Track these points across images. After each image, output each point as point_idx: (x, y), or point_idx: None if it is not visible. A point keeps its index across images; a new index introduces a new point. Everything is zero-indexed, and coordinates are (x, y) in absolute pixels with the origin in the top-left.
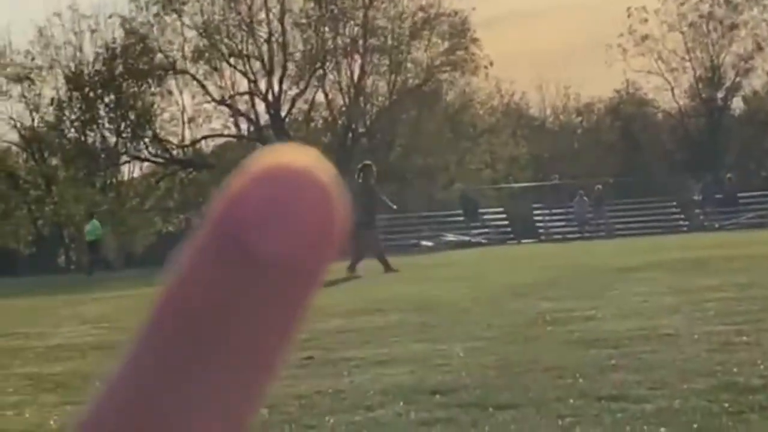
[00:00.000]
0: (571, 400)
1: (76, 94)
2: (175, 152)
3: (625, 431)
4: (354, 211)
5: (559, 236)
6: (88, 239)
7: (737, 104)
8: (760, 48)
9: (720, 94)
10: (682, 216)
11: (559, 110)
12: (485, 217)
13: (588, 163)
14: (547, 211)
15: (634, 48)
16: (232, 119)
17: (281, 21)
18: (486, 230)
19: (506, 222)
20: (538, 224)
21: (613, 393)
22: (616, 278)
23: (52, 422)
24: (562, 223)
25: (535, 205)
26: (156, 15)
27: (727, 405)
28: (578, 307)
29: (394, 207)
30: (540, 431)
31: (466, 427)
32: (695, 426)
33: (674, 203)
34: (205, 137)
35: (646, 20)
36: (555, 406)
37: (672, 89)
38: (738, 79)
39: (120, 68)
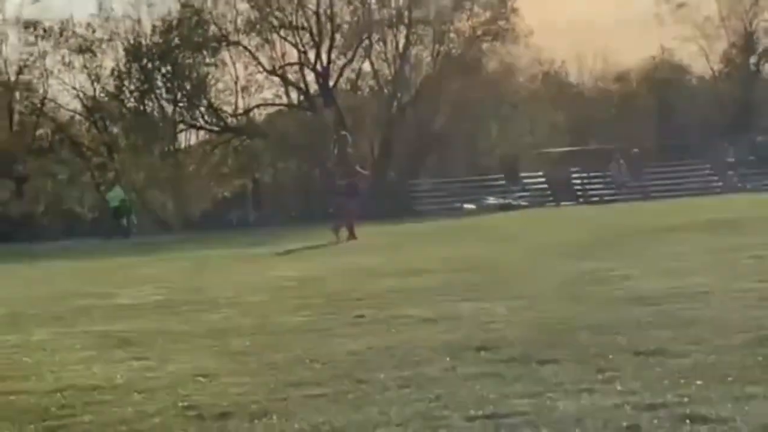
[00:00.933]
0: (611, 356)
1: (134, 65)
2: (229, 121)
3: (662, 385)
4: (335, 178)
5: (597, 198)
6: (111, 205)
7: None
8: None
9: (753, 60)
10: (716, 178)
11: (597, 77)
12: (526, 181)
13: (625, 128)
14: (584, 175)
15: (670, 16)
16: (282, 89)
17: None
18: (526, 193)
19: (546, 185)
20: (577, 187)
21: (651, 348)
22: (653, 239)
23: (118, 376)
24: (600, 186)
25: (573, 169)
26: None
27: (761, 359)
28: (617, 266)
29: (367, 173)
30: (581, 385)
31: (510, 382)
32: (730, 379)
33: (708, 166)
34: (257, 106)
35: None
36: (595, 361)
37: (707, 55)
38: None
39: (176, 40)
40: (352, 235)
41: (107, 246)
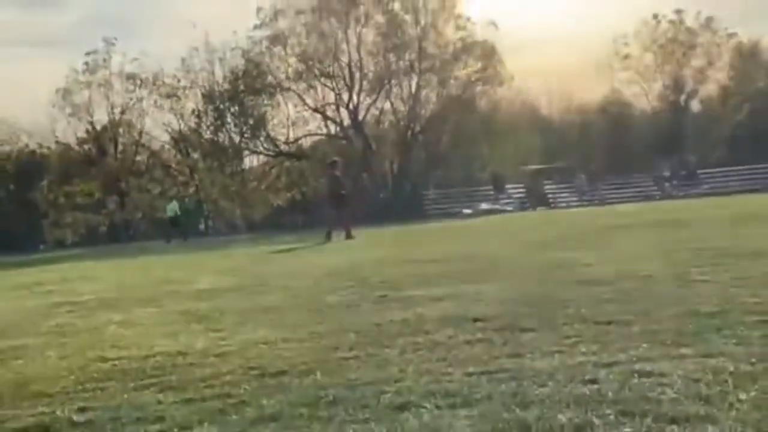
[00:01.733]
0: (575, 325)
1: (210, 106)
2: (282, 147)
3: (616, 348)
4: (329, 193)
5: (564, 204)
6: (168, 215)
7: (695, 105)
8: (711, 63)
9: (683, 98)
10: (656, 188)
11: (563, 111)
12: (510, 190)
13: (585, 150)
14: (555, 186)
15: (618, 64)
16: (323, 122)
17: (358, 50)
18: (510, 200)
19: (525, 194)
20: (549, 196)
21: (606, 319)
22: (608, 234)
23: (198, 344)
24: (567, 195)
25: (546, 182)
26: (267, 47)
27: (690, 326)
28: (580, 256)
29: (343, 192)
30: (553, 348)
31: (499, 346)
32: (668, 343)
33: (650, 178)
34: (304, 136)
35: (627, 44)
36: (563, 329)
37: (647, 94)
38: (696, 86)
39: (241, 87)
40: (349, 235)
41: (184, 245)
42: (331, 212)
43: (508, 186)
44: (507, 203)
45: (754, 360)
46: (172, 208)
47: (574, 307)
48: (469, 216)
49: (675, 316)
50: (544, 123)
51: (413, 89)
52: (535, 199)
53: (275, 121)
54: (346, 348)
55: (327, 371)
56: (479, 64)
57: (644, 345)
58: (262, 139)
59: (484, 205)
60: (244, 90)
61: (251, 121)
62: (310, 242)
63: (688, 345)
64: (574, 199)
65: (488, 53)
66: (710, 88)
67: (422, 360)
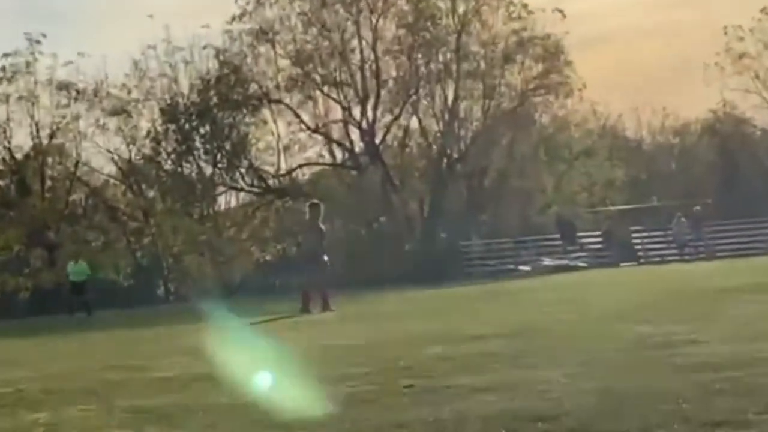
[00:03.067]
0: (676, 426)
1: (171, 125)
2: (270, 182)
3: None
4: (303, 246)
5: (658, 259)
6: (74, 279)
7: None
8: None
9: None
10: None
11: (655, 131)
12: (583, 240)
13: (686, 184)
14: (645, 234)
15: (731, 66)
16: (326, 147)
17: (374, 48)
18: (584, 254)
19: (604, 245)
20: (637, 247)
21: (717, 419)
22: (717, 300)
23: None
24: (662, 245)
25: (634, 228)
26: (249, 45)
27: None
28: (679, 330)
29: (326, 259)
30: None
31: None
32: None
33: None
34: (300, 166)
35: (742, 38)
36: None
37: None
38: None
39: (214, 99)
40: (307, 307)
41: (137, 315)
42: (314, 273)
43: (580, 234)
44: (579, 257)
45: None
46: (82, 270)
47: (673, 402)
48: (526, 275)
49: None
50: (629, 147)
51: (449, 101)
52: (618, 250)
53: (261, 145)
54: None
55: None
56: (540, 67)
57: None
58: (242, 170)
59: (547, 261)
60: (218, 103)
61: (228, 146)
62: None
63: None
64: (672, 250)
65: (552, 52)
66: None
67: None
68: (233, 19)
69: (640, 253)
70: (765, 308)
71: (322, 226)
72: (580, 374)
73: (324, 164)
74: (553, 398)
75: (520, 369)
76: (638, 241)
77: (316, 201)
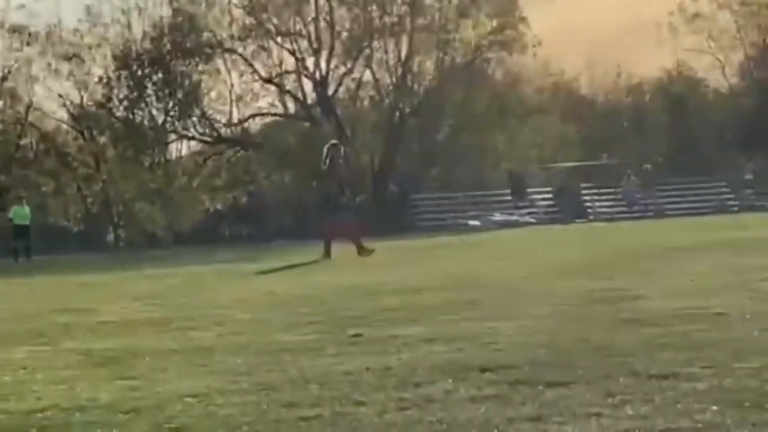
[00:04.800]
0: (621, 379)
1: (124, 72)
2: (222, 131)
3: (675, 409)
4: (327, 192)
5: (608, 216)
6: (16, 223)
7: None
8: None
9: None
10: (733, 195)
11: (608, 90)
12: (533, 197)
13: (637, 143)
14: (595, 191)
15: (685, 26)
16: (279, 98)
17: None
18: (534, 210)
19: (554, 202)
20: (587, 204)
21: (663, 371)
22: (665, 258)
23: (103, 396)
24: (611, 203)
25: (584, 185)
26: None
27: None
28: (628, 286)
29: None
30: (589, 409)
31: (516, 405)
32: (747, 405)
33: (724, 183)
34: (252, 116)
35: None
36: (605, 384)
37: (723, 68)
38: None
39: (168, 47)
40: (328, 251)
41: (93, 259)
42: (344, 217)
43: (530, 190)
44: (529, 213)
45: None
46: (25, 213)
47: (620, 355)
48: (477, 230)
49: (756, 369)
50: (582, 105)
51: (403, 55)
52: (568, 208)
53: (213, 94)
54: (306, 405)
55: None
56: (494, 23)
57: (714, 407)
58: (194, 119)
59: (497, 216)
60: (172, 51)
61: (180, 95)
62: (262, 261)
63: None
64: (622, 209)
65: (507, 7)
66: None
67: (409, 422)
68: None
69: (590, 211)
70: (710, 266)
71: (343, 166)
72: (528, 327)
73: (276, 115)
74: (501, 349)
75: (468, 321)
76: (588, 198)
77: (335, 141)
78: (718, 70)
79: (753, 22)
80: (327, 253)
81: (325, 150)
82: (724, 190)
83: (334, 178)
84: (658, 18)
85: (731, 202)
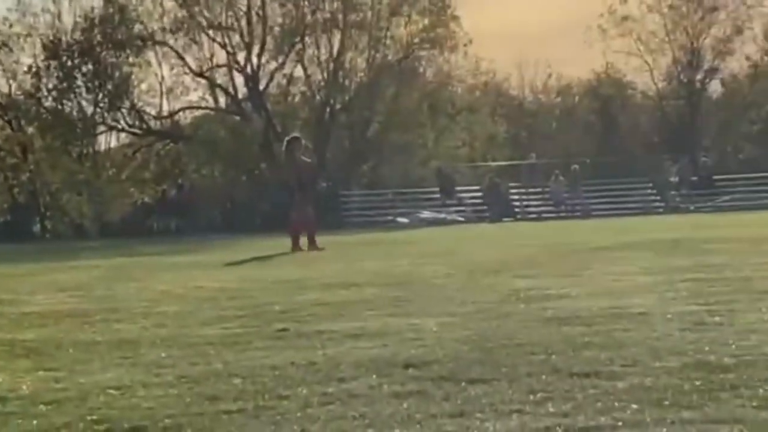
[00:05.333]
0: (544, 376)
1: (53, 62)
2: (152, 123)
3: (596, 407)
4: (287, 186)
5: (535, 215)
6: None
7: (715, 87)
8: (739, 31)
9: (698, 77)
10: (658, 197)
11: (538, 90)
12: (462, 195)
13: (565, 143)
14: (523, 190)
15: (614, 29)
16: (210, 92)
17: None
18: (462, 208)
19: (482, 200)
20: (515, 203)
21: (585, 370)
22: (590, 258)
23: (24, 387)
24: (539, 202)
25: (512, 184)
26: None
27: (698, 383)
28: (552, 285)
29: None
30: (512, 406)
31: (438, 401)
32: (666, 403)
33: (650, 184)
34: (182, 109)
35: (625, 1)
36: (527, 381)
37: (651, 71)
38: (716, 62)
39: (98, 38)
40: (295, 245)
41: (18, 250)
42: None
43: (459, 189)
44: (457, 211)
45: None
46: None
47: (543, 353)
48: (405, 227)
49: (677, 368)
50: (511, 105)
51: (335, 51)
52: (496, 207)
53: (144, 87)
54: (230, 398)
55: (200, 428)
56: (426, 21)
57: (633, 405)
58: (124, 110)
59: (426, 213)
60: (102, 42)
61: (110, 86)
62: (189, 254)
63: (693, 407)
64: (549, 208)
65: (438, 6)
66: (736, 66)
67: (332, 417)
68: None
69: (517, 210)
70: (634, 266)
71: (307, 159)
72: (453, 324)
73: (207, 108)
74: (426, 346)
75: (393, 317)
76: (516, 197)
77: (296, 135)
78: (646, 73)
79: (682, 25)
80: (295, 246)
81: (284, 143)
82: (649, 191)
83: (294, 172)
84: (588, 20)
85: (657, 204)
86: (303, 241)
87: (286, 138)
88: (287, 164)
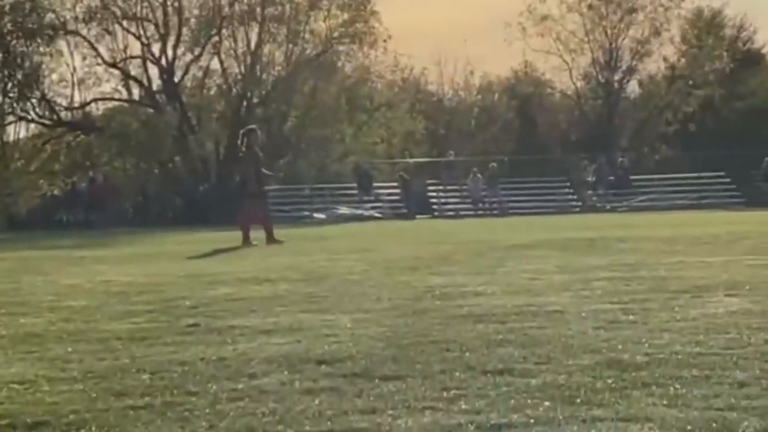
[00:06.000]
0: (457, 373)
1: None
2: (63, 114)
3: (509, 405)
4: (241, 179)
5: (453, 213)
6: None
7: (633, 87)
8: (657, 33)
9: (616, 77)
10: (575, 196)
11: (458, 87)
12: (379, 191)
13: (484, 141)
14: (441, 187)
15: (533, 27)
16: (123, 83)
17: None
18: (380, 204)
19: (400, 197)
20: (433, 200)
21: (499, 367)
22: (506, 255)
23: None
24: (456, 200)
25: (430, 181)
26: None
27: (610, 381)
28: (468, 282)
29: (271, 173)
30: (424, 403)
31: (350, 397)
32: (579, 401)
33: (567, 183)
34: (94, 100)
35: (544, 0)
36: (441, 378)
37: (570, 70)
38: (634, 62)
39: (8, 26)
40: (246, 238)
41: None
42: (255, 204)
43: (377, 185)
44: (374, 208)
45: (689, 428)
46: None
47: (457, 350)
48: (321, 222)
49: (589, 366)
50: (430, 102)
51: (252, 44)
52: (413, 203)
53: (55, 77)
54: (137, 394)
55: (106, 424)
56: (345, 16)
57: (546, 403)
58: (34, 101)
59: (343, 209)
60: (12, 31)
61: (20, 76)
62: (99, 248)
63: (605, 405)
64: (467, 206)
65: (358, 1)
66: (653, 67)
67: (242, 413)
68: None
69: (435, 207)
70: (550, 265)
71: (259, 152)
72: (367, 320)
73: (120, 100)
74: (339, 342)
75: (307, 313)
76: (434, 194)
77: (252, 126)
78: (565, 72)
79: (601, 25)
80: (246, 240)
81: (240, 135)
82: (566, 190)
83: (249, 164)
84: (508, 18)
85: (573, 203)
86: (255, 236)
87: (242, 130)
88: (246, 156)
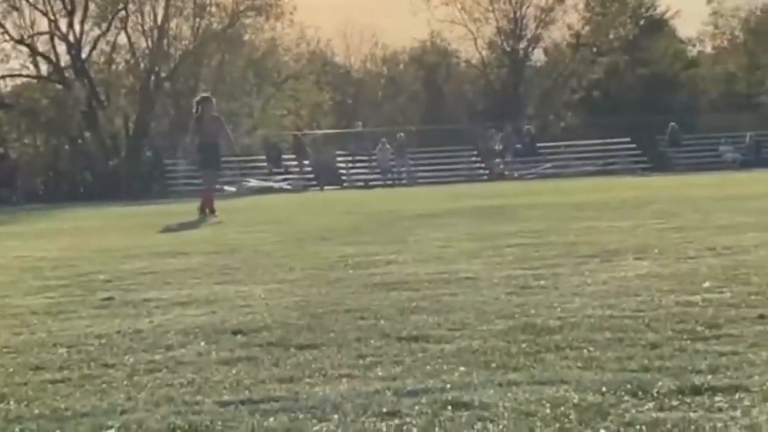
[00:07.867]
0: (372, 341)
1: None
2: None
3: (424, 371)
4: (198, 148)
5: (362, 183)
6: None
7: (538, 56)
8: (561, 0)
9: (521, 45)
10: (483, 165)
11: (364, 58)
12: (288, 163)
13: (391, 111)
14: (349, 158)
15: None
16: (31, 59)
17: None
18: (289, 176)
19: (309, 168)
20: (341, 171)
21: (413, 334)
22: (417, 224)
23: None
24: (365, 170)
25: (339, 152)
26: None
27: (524, 345)
28: (380, 251)
29: (237, 151)
30: (340, 370)
31: (267, 366)
32: (494, 365)
33: (475, 152)
34: (2, 77)
35: None
36: (356, 346)
37: (475, 39)
38: (539, 30)
39: None
40: (210, 210)
41: None
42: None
43: (286, 157)
44: (284, 180)
45: (604, 389)
46: None
47: (371, 318)
48: (231, 195)
49: (503, 331)
50: (337, 73)
51: (159, 19)
52: (323, 175)
53: None
54: (54, 368)
55: (24, 398)
56: None
57: (462, 368)
58: None
59: (252, 182)
60: None
61: None
62: (10, 224)
63: (520, 368)
64: (376, 176)
65: None
66: (557, 35)
67: (160, 384)
68: None
69: (344, 177)
70: (460, 233)
71: (219, 116)
72: (281, 290)
73: (28, 76)
74: (254, 313)
75: (221, 284)
76: (343, 165)
77: (206, 94)
78: (470, 41)
79: None
80: (211, 211)
81: (194, 103)
82: (474, 159)
83: (205, 133)
84: None
85: (481, 171)
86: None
87: (196, 99)
88: (198, 124)
